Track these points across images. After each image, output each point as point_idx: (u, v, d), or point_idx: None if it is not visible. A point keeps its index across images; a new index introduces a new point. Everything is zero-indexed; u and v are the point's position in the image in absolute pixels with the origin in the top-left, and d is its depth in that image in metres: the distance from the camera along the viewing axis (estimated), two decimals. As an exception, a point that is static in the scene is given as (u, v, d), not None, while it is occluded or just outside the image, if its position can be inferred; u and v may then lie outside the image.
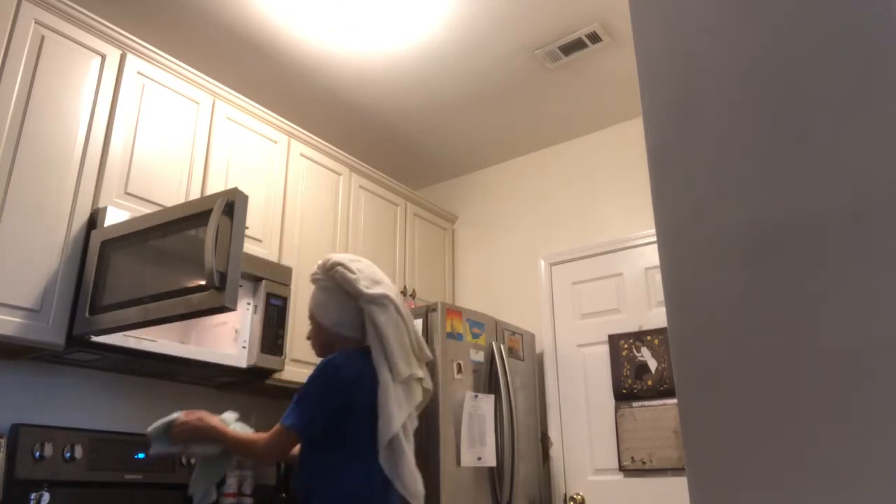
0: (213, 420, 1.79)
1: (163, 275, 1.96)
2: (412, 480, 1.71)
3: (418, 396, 1.82)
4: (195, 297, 1.82)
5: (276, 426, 1.71)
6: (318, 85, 3.27)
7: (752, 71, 0.65)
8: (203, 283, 1.81)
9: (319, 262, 1.89)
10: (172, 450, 1.80)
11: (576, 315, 3.43)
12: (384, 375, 1.72)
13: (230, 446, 1.78)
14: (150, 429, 1.79)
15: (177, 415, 1.80)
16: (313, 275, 1.89)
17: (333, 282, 1.82)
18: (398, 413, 1.70)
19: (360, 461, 1.70)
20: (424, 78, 3.23)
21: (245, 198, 1.89)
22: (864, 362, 0.53)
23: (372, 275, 1.85)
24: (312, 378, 1.73)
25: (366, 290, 1.78)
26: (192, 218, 1.94)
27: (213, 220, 1.84)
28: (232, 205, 1.86)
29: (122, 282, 2.03)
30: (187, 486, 2.57)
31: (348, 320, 1.82)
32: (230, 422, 1.84)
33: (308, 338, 1.93)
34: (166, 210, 2.05)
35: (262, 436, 1.75)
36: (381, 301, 1.78)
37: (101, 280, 2.08)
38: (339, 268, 1.81)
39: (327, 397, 1.70)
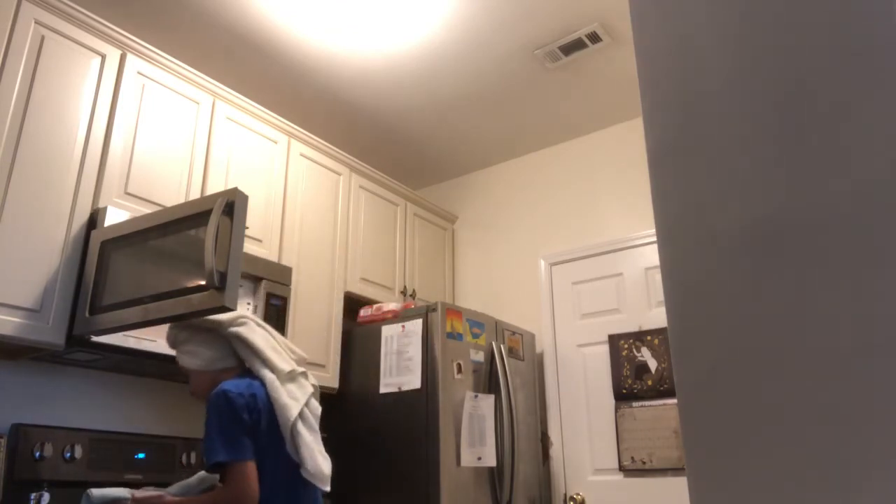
0: (168, 500, 1.77)
1: (163, 275, 1.96)
2: (314, 463, 1.78)
3: (309, 388, 1.92)
4: (195, 297, 1.82)
5: (227, 474, 1.69)
6: (318, 85, 3.27)
7: (753, 70, 0.65)
8: (203, 283, 1.81)
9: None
10: None
11: (576, 315, 3.44)
12: (268, 376, 1.82)
13: None
14: (96, 493, 1.78)
15: (125, 495, 1.78)
16: (169, 339, 1.94)
17: (190, 328, 1.89)
18: (292, 403, 1.80)
19: (268, 469, 1.74)
20: (424, 78, 3.23)
21: (245, 198, 1.89)
22: (864, 362, 0.53)
23: None
24: (213, 411, 1.74)
25: (223, 318, 1.87)
26: (192, 218, 1.94)
27: (213, 220, 1.84)
28: (232, 205, 1.86)
29: (122, 282, 2.02)
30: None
31: (219, 353, 1.88)
32: (193, 484, 1.85)
33: (192, 392, 1.94)
34: (166, 210, 2.05)
35: (219, 492, 1.73)
36: (239, 321, 1.89)
37: (101, 280, 2.08)
38: None
39: (238, 419, 1.72)
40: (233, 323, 1.87)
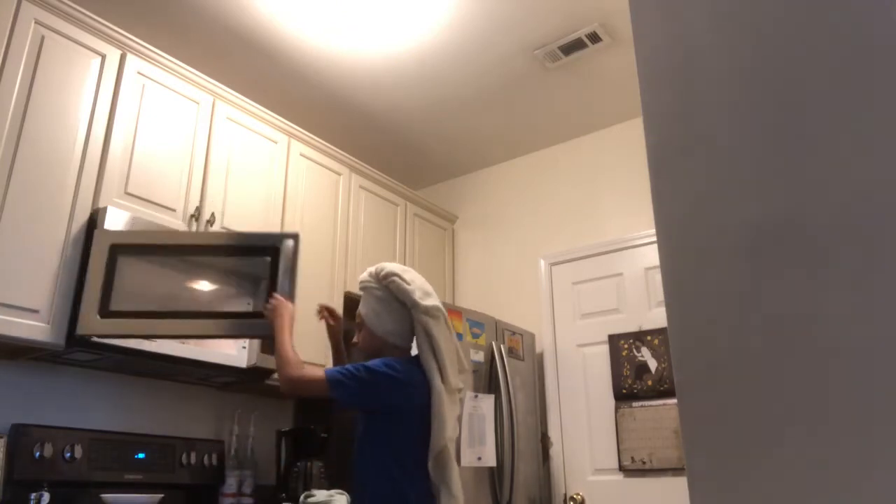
0: None
1: (191, 293, 2.10)
2: (458, 486, 1.74)
3: (458, 408, 1.87)
4: (246, 321, 1.99)
5: (319, 370, 1.72)
6: (318, 85, 3.27)
7: (752, 70, 0.65)
8: (251, 309, 1.99)
9: (370, 269, 1.91)
10: None
11: (576, 315, 3.43)
12: (437, 384, 1.76)
13: (278, 352, 1.77)
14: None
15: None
16: (364, 282, 1.91)
17: (388, 291, 1.85)
18: (451, 420, 1.74)
19: (410, 465, 1.72)
20: (424, 78, 3.23)
21: (298, 237, 2.07)
22: (864, 362, 0.53)
23: (423, 286, 1.88)
24: (374, 364, 1.73)
25: (421, 301, 1.81)
26: (252, 248, 2.09)
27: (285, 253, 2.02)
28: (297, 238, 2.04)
29: (135, 290, 1.97)
30: (186, 487, 2.57)
31: (399, 330, 1.85)
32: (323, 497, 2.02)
33: (355, 341, 1.93)
34: (187, 234, 2.22)
35: (302, 366, 1.72)
36: (434, 313, 1.82)
37: (109, 283, 2.03)
38: (395, 278, 1.84)
39: (382, 387, 1.72)
40: (427, 311, 1.80)
